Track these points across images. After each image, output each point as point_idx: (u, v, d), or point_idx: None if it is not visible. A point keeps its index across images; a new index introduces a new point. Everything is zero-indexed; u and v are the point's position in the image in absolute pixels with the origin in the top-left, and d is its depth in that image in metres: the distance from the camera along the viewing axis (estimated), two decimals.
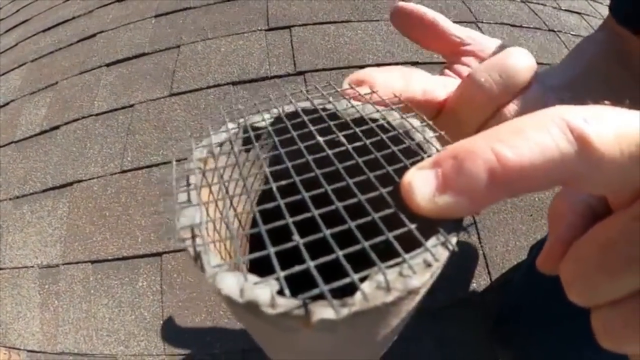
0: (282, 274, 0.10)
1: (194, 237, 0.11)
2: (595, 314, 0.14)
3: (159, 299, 0.55)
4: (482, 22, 1.03)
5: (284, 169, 0.13)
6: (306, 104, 0.17)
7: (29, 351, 0.66)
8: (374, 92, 0.17)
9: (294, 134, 0.15)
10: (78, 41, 1.04)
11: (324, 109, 0.16)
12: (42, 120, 0.88)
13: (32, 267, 0.70)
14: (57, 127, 0.84)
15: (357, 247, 0.10)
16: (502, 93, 0.19)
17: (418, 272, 0.10)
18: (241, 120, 0.16)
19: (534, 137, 0.11)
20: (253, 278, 0.10)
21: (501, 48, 0.21)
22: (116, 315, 0.56)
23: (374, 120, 0.16)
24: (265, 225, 0.11)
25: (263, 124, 0.16)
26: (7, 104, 1.01)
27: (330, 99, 0.17)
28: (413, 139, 0.14)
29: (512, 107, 0.18)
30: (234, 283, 0.10)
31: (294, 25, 0.92)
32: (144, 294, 0.56)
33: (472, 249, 0.64)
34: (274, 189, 0.12)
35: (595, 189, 0.12)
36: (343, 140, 0.14)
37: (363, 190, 0.12)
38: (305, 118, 0.16)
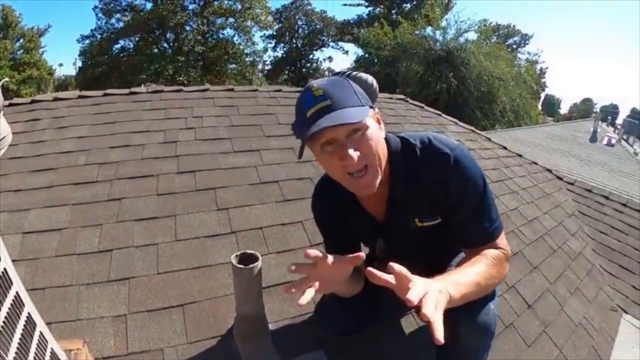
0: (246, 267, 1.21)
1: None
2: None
3: (184, 335, 1.49)
4: None
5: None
6: (244, 252, 1.28)
7: (104, 358, 1.47)
8: None
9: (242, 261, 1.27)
10: (108, 200, 1.95)
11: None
12: (97, 245, 1.75)
13: (106, 317, 1.54)
14: (110, 250, 1.72)
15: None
16: None
17: (247, 269, 1.27)
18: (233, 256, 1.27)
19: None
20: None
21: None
22: (164, 336, 1.48)
23: None
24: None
25: (235, 259, 1.26)
26: (60, 229, 1.82)
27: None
28: None
29: None
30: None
31: (229, 207, 2.03)
32: (174, 326, 1.49)
33: None
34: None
35: None
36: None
37: None
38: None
